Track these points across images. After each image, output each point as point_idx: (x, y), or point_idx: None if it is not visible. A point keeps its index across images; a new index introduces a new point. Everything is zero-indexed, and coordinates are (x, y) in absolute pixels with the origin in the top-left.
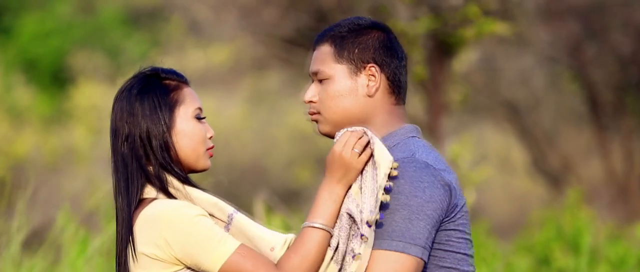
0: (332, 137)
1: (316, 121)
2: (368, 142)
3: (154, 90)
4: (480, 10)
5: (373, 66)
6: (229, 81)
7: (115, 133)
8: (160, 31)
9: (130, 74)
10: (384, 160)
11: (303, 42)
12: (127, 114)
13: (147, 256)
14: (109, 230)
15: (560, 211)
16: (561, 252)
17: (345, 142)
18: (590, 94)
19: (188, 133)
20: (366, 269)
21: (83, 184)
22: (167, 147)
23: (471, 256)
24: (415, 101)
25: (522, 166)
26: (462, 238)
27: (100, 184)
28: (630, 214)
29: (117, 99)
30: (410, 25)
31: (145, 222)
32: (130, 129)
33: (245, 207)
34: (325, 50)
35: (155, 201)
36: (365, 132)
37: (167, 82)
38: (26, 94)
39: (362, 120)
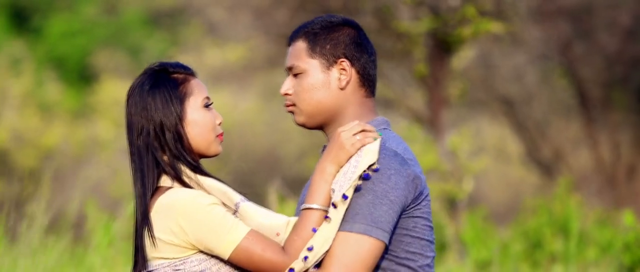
0: (308, 127)
1: (292, 112)
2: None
3: (164, 85)
4: (476, 11)
5: (344, 61)
6: (243, 77)
7: (130, 127)
8: (179, 31)
9: None
10: (371, 153)
11: None
12: (140, 108)
13: (164, 241)
14: (131, 215)
15: (551, 198)
16: (553, 236)
17: (350, 128)
18: (580, 89)
19: (199, 122)
20: (330, 249)
21: (107, 173)
22: (179, 137)
23: (433, 242)
24: (417, 96)
25: (516, 156)
26: (426, 225)
27: (122, 173)
28: (617, 201)
29: (130, 95)
30: (412, 25)
31: (162, 209)
32: (144, 123)
33: (259, 195)
34: (299, 46)
35: (170, 190)
36: (375, 131)
37: (175, 75)
38: (55, 89)
39: (335, 112)
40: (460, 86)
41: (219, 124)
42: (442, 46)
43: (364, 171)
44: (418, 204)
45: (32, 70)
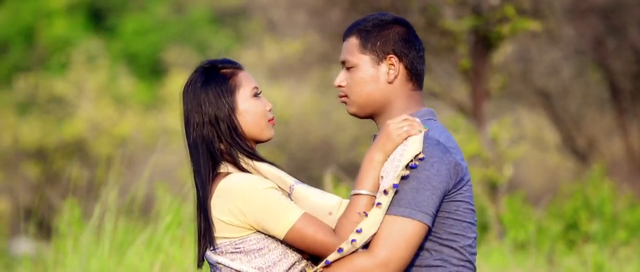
0: (359, 117)
1: (345, 103)
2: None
3: (215, 80)
4: (515, 10)
5: (392, 57)
6: (299, 72)
7: (187, 122)
8: (242, 28)
9: None
10: (416, 143)
11: None
12: (195, 104)
13: (224, 222)
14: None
15: (585, 183)
16: (586, 219)
17: (400, 120)
18: (611, 83)
19: (250, 111)
20: (377, 231)
21: (176, 160)
22: (234, 127)
23: (474, 224)
24: (460, 89)
25: (553, 145)
26: (467, 208)
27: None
28: None
29: (185, 93)
30: (456, 23)
31: (222, 193)
32: (200, 117)
33: (315, 180)
34: (352, 42)
35: (230, 175)
36: (421, 124)
37: (224, 71)
38: (128, 83)
39: (383, 104)
40: (500, 80)
41: (270, 110)
42: (484, 42)
43: (411, 161)
44: (459, 189)
45: (107, 66)
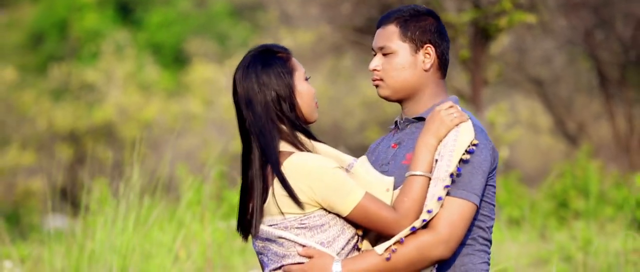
0: (390, 100)
1: (377, 86)
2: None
3: (275, 62)
4: (512, 3)
5: (429, 46)
6: (312, 60)
7: (249, 103)
8: (258, 20)
9: (237, 55)
10: (469, 130)
11: (372, 30)
12: (258, 85)
13: (289, 198)
14: (217, 177)
15: (575, 163)
16: (576, 197)
17: (448, 107)
18: (600, 71)
19: (304, 93)
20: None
21: (197, 142)
22: (293, 106)
23: (494, 206)
24: (461, 77)
25: (545, 128)
26: (494, 192)
27: (211, 143)
28: (631, 166)
29: (245, 75)
30: (457, 16)
31: (290, 172)
32: (264, 97)
33: None
34: (391, 29)
35: (295, 154)
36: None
37: (280, 54)
38: (153, 71)
39: (416, 89)
40: (497, 68)
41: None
42: (482, 34)
43: (469, 146)
44: (492, 173)
45: (133, 55)
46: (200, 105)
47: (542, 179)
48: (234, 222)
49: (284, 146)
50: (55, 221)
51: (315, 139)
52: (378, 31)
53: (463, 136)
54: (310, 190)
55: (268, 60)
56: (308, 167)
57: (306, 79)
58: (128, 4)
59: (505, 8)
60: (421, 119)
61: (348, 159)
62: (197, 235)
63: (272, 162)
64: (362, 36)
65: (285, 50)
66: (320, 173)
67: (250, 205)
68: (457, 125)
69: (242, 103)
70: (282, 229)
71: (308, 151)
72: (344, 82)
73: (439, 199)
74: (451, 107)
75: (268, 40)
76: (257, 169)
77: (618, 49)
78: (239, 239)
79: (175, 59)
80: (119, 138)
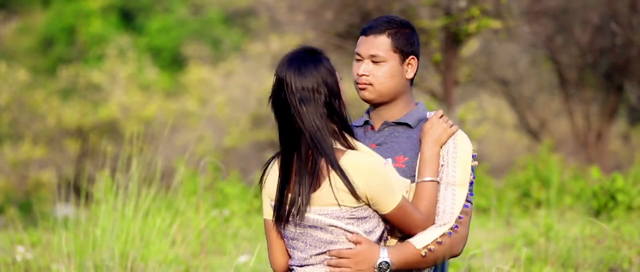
0: (372, 102)
1: (364, 89)
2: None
3: (323, 62)
4: (480, 11)
5: (413, 58)
6: None
7: (306, 101)
8: (250, 25)
9: (230, 58)
10: (466, 139)
11: (352, 35)
12: (316, 83)
13: (347, 192)
14: (212, 170)
15: (537, 157)
16: (538, 187)
17: (442, 116)
18: (560, 73)
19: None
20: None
21: (192, 138)
22: (343, 105)
23: None
24: (434, 78)
25: (510, 124)
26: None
27: (206, 138)
28: (588, 159)
29: (300, 75)
30: (430, 22)
31: (349, 168)
32: (320, 95)
33: None
34: (383, 40)
35: (351, 152)
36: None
37: (321, 54)
38: (153, 73)
39: (397, 95)
40: (467, 70)
41: None
42: (453, 39)
43: (472, 154)
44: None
45: (135, 58)
46: (196, 103)
47: (507, 171)
48: (226, 211)
49: (334, 143)
50: (64, 210)
51: (354, 136)
52: (367, 38)
53: (462, 143)
54: (366, 186)
55: (319, 60)
56: (365, 165)
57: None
58: (130, 11)
59: (474, 15)
60: (402, 124)
61: (382, 159)
62: (192, 222)
63: (331, 159)
64: (343, 41)
65: (321, 52)
66: (376, 172)
67: (290, 196)
68: (454, 133)
69: (295, 100)
70: (334, 218)
71: (353, 148)
72: None
73: (466, 206)
74: (443, 116)
75: (258, 44)
76: (307, 163)
77: (576, 53)
78: (231, 225)
79: (173, 62)
80: (122, 134)
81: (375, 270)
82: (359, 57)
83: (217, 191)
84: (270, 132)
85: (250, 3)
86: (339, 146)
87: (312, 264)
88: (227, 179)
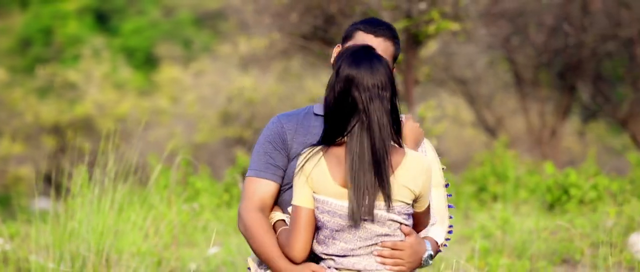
0: None
1: None
2: None
3: (383, 61)
4: (439, 14)
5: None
6: (265, 63)
7: (377, 97)
8: (219, 27)
9: (200, 58)
10: (430, 144)
11: (316, 37)
12: (382, 82)
13: (409, 189)
14: (183, 164)
15: (494, 153)
16: (494, 182)
17: (412, 119)
18: (516, 72)
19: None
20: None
21: (164, 134)
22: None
23: None
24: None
25: (468, 122)
26: None
27: (177, 135)
28: (542, 155)
29: (373, 71)
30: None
31: (411, 166)
32: (389, 92)
33: None
34: (389, 46)
35: (409, 150)
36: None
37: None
38: (127, 72)
39: None
40: (426, 70)
41: None
42: (414, 40)
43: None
44: None
45: (109, 58)
46: (167, 101)
47: (465, 166)
48: (196, 204)
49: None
50: (41, 203)
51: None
52: (377, 39)
53: (429, 148)
54: (423, 185)
55: (382, 59)
56: (423, 165)
57: None
58: (105, 13)
59: (433, 17)
60: None
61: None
62: (164, 215)
63: (396, 157)
64: (308, 42)
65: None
66: (429, 172)
67: (361, 193)
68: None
69: (366, 97)
70: (396, 214)
71: (402, 146)
72: (293, 81)
73: (450, 206)
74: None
75: (227, 45)
76: (372, 160)
77: (532, 53)
78: (201, 219)
79: (146, 61)
80: (97, 130)
81: (422, 262)
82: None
83: (188, 186)
84: (238, 128)
85: (219, 6)
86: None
87: (358, 255)
88: (197, 174)
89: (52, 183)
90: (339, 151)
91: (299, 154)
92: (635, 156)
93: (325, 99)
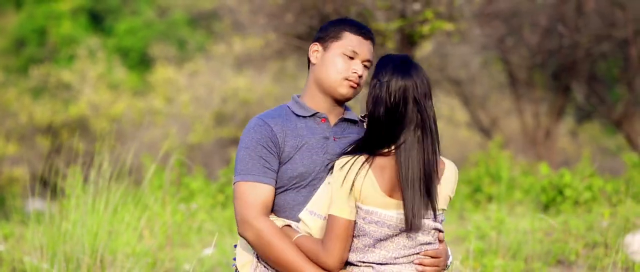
0: (347, 100)
1: (353, 88)
2: None
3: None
4: (434, 14)
5: None
6: (259, 64)
7: (429, 108)
8: (214, 27)
9: (194, 58)
10: None
11: (311, 38)
12: (430, 90)
13: (449, 196)
14: (177, 165)
15: (488, 153)
16: (489, 183)
17: None
18: (510, 73)
19: None
20: None
21: (160, 135)
22: None
23: None
24: None
25: (463, 122)
26: None
27: (172, 135)
28: (537, 156)
29: (422, 84)
30: (386, 24)
31: (451, 174)
32: (432, 102)
33: None
34: (372, 48)
35: (445, 159)
36: None
37: None
38: (121, 72)
39: None
40: None
41: None
42: (408, 40)
43: None
44: None
45: (104, 58)
46: (162, 102)
47: (460, 167)
48: (195, 205)
49: None
50: (35, 204)
51: None
52: (365, 42)
53: None
54: (454, 191)
55: (422, 68)
56: (456, 170)
57: None
58: (99, 13)
59: (428, 17)
60: (351, 121)
61: None
62: (159, 216)
63: (440, 166)
64: (303, 42)
65: None
66: (457, 177)
67: (413, 203)
68: None
69: (424, 105)
70: (439, 222)
71: None
72: (288, 82)
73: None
74: None
75: (222, 45)
76: (424, 169)
77: (526, 54)
78: (196, 219)
79: (141, 62)
80: (92, 131)
81: (447, 266)
82: (353, 56)
83: (182, 186)
84: (233, 129)
85: (214, 6)
86: None
87: (399, 263)
88: (192, 175)
89: (47, 184)
90: (384, 161)
91: (290, 158)
92: (630, 157)
93: (373, 110)
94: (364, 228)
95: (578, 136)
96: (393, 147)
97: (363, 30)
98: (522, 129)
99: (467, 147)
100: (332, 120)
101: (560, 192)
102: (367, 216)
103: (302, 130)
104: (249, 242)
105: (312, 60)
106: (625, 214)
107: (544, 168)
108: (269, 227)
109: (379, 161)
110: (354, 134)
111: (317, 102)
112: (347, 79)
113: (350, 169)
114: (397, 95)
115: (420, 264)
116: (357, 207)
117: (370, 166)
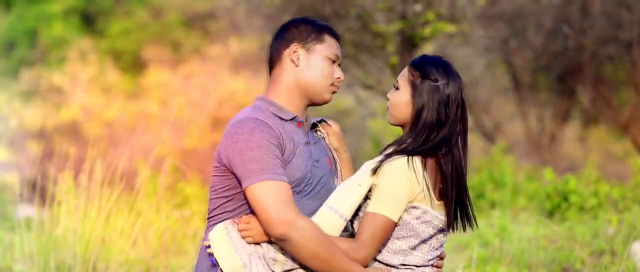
0: (325, 103)
1: (334, 92)
2: None
3: None
4: (435, 15)
5: None
6: (256, 66)
7: (453, 99)
8: (210, 28)
9: (190, 61)
10: None
11: None
12: (458, 92)
13: None
14: (172, 170)
15: (492, 158)
16: (492, 189)
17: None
18: (514, 76)
19: None
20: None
21: (153, 140)
22: None
23: None
24: (390, 82)
25: None
26: None
27: (166, 139)
28: (541, 161)
29: (462, 89)
30: (386, 27)
31: None
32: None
33: None
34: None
35: None
36: None
37: None
38: (114, 75)
39: None
40: None
41: None
42: (409, 42)
43: None
44: None
45: (96, 61)
46: (155, 105)
47: None
48: (186, 211)
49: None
50: (25, 210)
51: None
52: (338, 45)
53: None
54: None
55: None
56: None
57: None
58: (91, 15)
59: (429, 19)
60: (314, 124)
61: None
62: (153, 222)
63: (463, 169)
64: None
65: None
66: None
67: (456, 204)
68: None
69: (463, 107)
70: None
71: None
72: None
73: None
74: None
75: (218, 46)
76: (464, 171)
77: (530, 56)
78: (191, 226)
79: (134, 64)
80: (84, 135)
81: None
82: (336, 60)
83: (177, 192)
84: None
85: (209, 6)
86: None
87: (428, 266)
88: (187, 180)
89: (37, 189)
90: (433, 163)
91: (289, 162)
92: (637, 162)
93: (426, 113)
94: (415, 228)
95: (584, 141)
96: (444, 150)
97: (336, 34)
98: (526, 134)
99: (470, 152)
100: (305, 125)
101: (566, 198)
102: (422, 215)
103: (291, 133)
104: (289, 245)
105: (294, 61)
106: (633, 221)
107: (548, 174)
108: (315, 226)
109: (430, 162)
110: (319, 140)
111: (294, 106)
112: (332, 85)
113: (408, 170)
114: (454, 98)
115: (436, 266)
116: (412, 207)
117: (425, 168)
